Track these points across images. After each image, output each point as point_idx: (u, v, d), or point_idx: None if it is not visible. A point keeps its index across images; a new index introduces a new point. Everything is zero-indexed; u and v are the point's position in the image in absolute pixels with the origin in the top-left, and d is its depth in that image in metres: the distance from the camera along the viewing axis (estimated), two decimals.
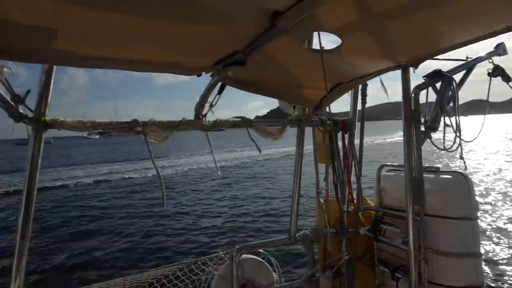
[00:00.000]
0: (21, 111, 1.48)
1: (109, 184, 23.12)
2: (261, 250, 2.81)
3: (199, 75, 1.83)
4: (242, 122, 2.20)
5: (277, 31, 1.34)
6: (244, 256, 2.68)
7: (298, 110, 2.56)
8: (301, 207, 2.73)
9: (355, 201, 2.82)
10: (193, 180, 22.53)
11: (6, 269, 8.09)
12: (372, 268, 2.90)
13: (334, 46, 1.64)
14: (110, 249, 9.62)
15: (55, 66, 1.52)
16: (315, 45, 1.79)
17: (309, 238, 2.77)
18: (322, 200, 2.82)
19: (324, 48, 1.69)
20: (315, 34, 1.68)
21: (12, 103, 1.44)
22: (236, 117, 2.23)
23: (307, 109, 2.56)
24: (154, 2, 1.07)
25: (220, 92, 1.96)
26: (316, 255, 2.91)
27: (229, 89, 1.99)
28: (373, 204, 2.92)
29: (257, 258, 2.77)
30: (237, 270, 2.61)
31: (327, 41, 1.70)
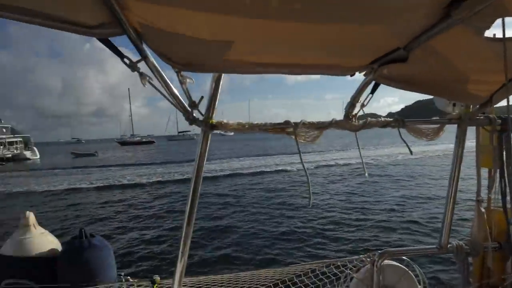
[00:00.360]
0: (194, 115, 1.68)
1: (253, 177, 24.93)
2: (405, 258, 2.60)
3: (352, 75, 1.76)
4: (394, 122, 2.06)
5: (452, 22, 1.21)
6: (386, 262, 2.53)
7: (459, 107, 2.26)
8: (455, 216, 2.43)
9: None
10: (338, 178, 22.44)
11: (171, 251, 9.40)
12: None
13: None
14: (254, 241, 10.30)
15: (223, 74, 1.66)
16: (489, 34, 1.54)
17: (464, 251, 2.46)
18: (483, 209, 2.46)
19: (509, 37, 1.45)
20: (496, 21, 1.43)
21: (189, 109, 1.65)
22: (386, 117, 2.10)
23: (471, 106, 2.23)
24: (319, 7, 1.08)
25: (373, 91, 1.87)
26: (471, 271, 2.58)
27: None
28: None
29: (401, 265, 2.59)
30: (378, 275, 2.50)
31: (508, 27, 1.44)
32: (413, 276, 2.59)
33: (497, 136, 2.32)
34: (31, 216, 2.13)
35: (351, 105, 1.94)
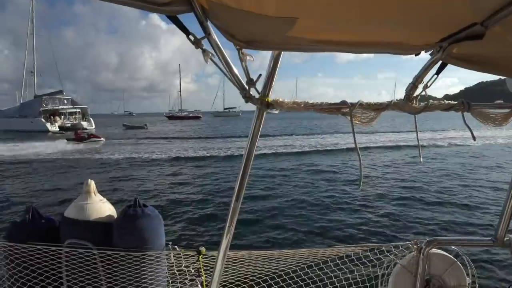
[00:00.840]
0: (251, 93, 1.67)
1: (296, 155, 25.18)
2: (454, 248, 2.49)
3: (417, 54, 1.66)
4: (459, 105, 1.91)
5: None
6: (433, 250, 2.46)
7: None
8: None
9: None
10: (388, 161, 21.98)
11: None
12: None
13: None
14: (299, 221, 10.43)
15: (282, 52, 1.63)
16: None
17: None
18: None
19: None
20: None
21: (246, 86, 1.63)
22: (443, 99, 1.95)
23: None
24: None
25: (438, 72, 1.75)
26: None
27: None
28: None
29: (449, 255, 2.49)
30: (423, 263, 2.45)
31: None
32: (462, 267, 2.50)
33: None
34: (92, 184, 2.27)
35: (413, 85, 1.83)
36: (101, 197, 2.33)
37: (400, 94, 1.91)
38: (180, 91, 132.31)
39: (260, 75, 1.62)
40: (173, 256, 2.38)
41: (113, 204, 2.38)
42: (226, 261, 2.11)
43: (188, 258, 2.42)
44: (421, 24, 1.39)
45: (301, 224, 9.98)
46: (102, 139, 36.21)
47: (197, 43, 1.32)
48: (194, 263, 2.42)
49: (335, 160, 22.54)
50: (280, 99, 1.73)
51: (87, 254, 2.14)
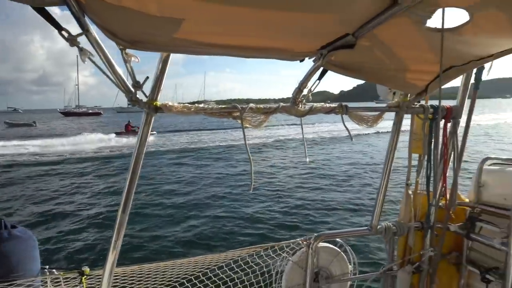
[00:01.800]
0: (138, 96, 1.61)
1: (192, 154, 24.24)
2: (339, 240, 2.72)
3: (301, 61, 1.82)
4: (338, 108, 2.15)
5: (397, 9, 1.28)
6: (321, 244, 2.66)
7: (399, 96, 2.38)
8: (389, 199, 2.58)
9: (447, 195, 2.60)
10: (278, 157, 22.53)
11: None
12: (457, 267, 2.72)
13: (458, 24, 1.51)
14: (191, 227, 10.05)
15: (171, 54, 1.60)
16: (433, 24, 1.62)
17: (391, 231, 2.66)
18: (410, 192, 2.65)
19: (447, 27, 1.55)
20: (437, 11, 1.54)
21: (132, 89, 1.56)
22: (331, 102, 2.19)
23: (408, 95, 2.36)
24: None
25: (320, 77, 1.93)
26: (397, 250, 2.78)
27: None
28: (467, 200, 2.68)
29: (334, 247, 2.74)
30: (312, 257, 2.63)
31: (451, 18, 1.54)
32: (345, 256, 2.77)
33: (428, 124, 2.48)
34: None
35: (298, 90, 1.98)
36: None
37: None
38: (78, 85, 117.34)
39: (147, 77, 1.56)
40: (51, 282, 2.14)
41: None
42: (114, 280, 2.00)
43: (69, 281, 2.20)
44: (303, 33, 1.51)
45: (194, 230, 9.80)
46: None
47: (71, 40, 1.19)
48: (76, 286, 2.20)
49: (229, 159, 22.49)
50: (170, 103, 1.68)
51: None
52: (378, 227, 2.66)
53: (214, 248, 8.37)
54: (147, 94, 1.64)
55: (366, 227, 2.70)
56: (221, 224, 10.20)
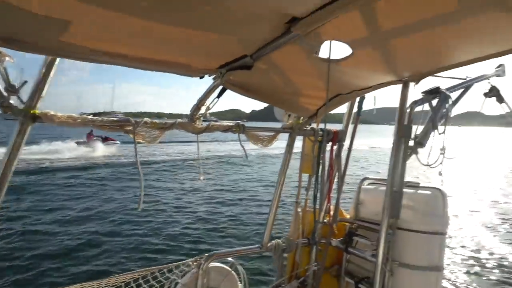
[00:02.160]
0: (12, 101, 1.42)
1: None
2: (230, 259, 2.69)
3: (201, 77, 1.83)
4: (235, 127, 2.18)
5: (291, 37, 1.38)
6: (212, 264, 2.60)
7: (293, 118, 2.50)
8: (282, 217, 2.67)
9: (331, 212, 2.81)
10: (170, 175, 21.25)
11: None
12: (338, 279, 2.93)
13: (341, 56, 1.68)
14: (70, 251, 8.77)
15: (58, 59, 1.46)
16: (321, 54, 1.79)
17: (280, 248, 2.74)
18: (299, 210, 2.78)
19: (333, 58, 1.70)
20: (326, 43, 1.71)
21: (5, 93, 1.38)
22: (230, 121, 2.19)
23: (301, 118, 2.49)
24: (166, 7, 1.08)
25: (219, 95, 1.95)
26: (287, 266, 2.88)
27: None
28: (348, 217, 2.93)
29: (225, 266, 2.72)
30: (202, 278, 2.57)
31: (337, 51, 1.71)
32: (236, 276, 2.76)
33: (318, 146, 2.64)
34: None
35: (196, 107, 1.97)
36: None
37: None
38: None
39: (26, 81, 1.40)
40: None
41: None
42: None
43: None
44: (203, 50, 1.51)
45: (72, 256, 8.56)
46: None
47: None
48: None
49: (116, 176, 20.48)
50: (51, 112, 1.50)
51: None
52: (269, 244, 2.72)
53: (94, 275, 7.44)
54: (25, 101, 1.44)
55: (258, 245, 2.75)
56: (104, 246, 9.19)
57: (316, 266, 2.79)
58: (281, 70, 1.82)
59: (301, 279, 2.79)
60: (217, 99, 1.94)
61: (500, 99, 2.66)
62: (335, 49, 1.60)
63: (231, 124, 2.16)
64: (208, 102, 1.95)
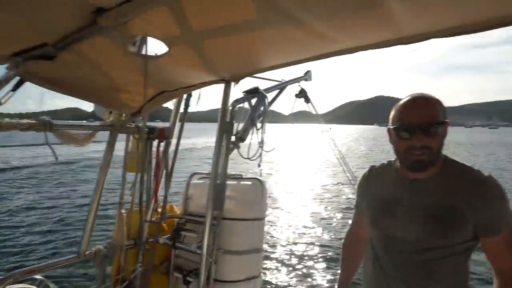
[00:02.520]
0: None
1: None
2: (38, 276, 2.28)
3: None
4: (39, 126, 1.80)
5: (97, 29, 1.27)
6: (14, 286, 2.11)
7: (115, 115, 2.26)
8: (110, 220, 2.41)
9: (158, 210, 2.71)
10: None
11: None
12: (168, 276, 2.88)
13: (160, 53, 1.62)
14: None
15: None
16: (137, 50, 1.72)
17: (101, 254, 2.49)
18: (123, 211, 2.58)
19: (149, 54, 1.65)
20: (139, 38, 1.65)
21: None
22: (34, 119, 1.80)
23: (123, 115, 2.27)
24: None
25: (15, 88, 1.59)
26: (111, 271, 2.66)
27: None
28: (178, 212, 2.89)
29: (29, 286, 2.23)
30: None
31: (154, 47, 1.65)
32: None
33: (144, 144, 2.48)
34: None
35: None
36: None
37: None
38: None
39: None
40: None
41: None
42: None
43: None
44: None
45: None
46: None
47: None
48: None
49: None
50: None
51: None
52: (87, 252, 2.43)
53: None
54: None
55: (74, 255, 2.41)
56: None
57: (141, 266, 2.67)
58: (95, 64, 1.65)
59: (127, 282, 2.62)
60: (12, 92, 1.57)
61: (307, 100, 3.19)
62: (151, 46, 1.56)
63: (34, 122, 1.79)
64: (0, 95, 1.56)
